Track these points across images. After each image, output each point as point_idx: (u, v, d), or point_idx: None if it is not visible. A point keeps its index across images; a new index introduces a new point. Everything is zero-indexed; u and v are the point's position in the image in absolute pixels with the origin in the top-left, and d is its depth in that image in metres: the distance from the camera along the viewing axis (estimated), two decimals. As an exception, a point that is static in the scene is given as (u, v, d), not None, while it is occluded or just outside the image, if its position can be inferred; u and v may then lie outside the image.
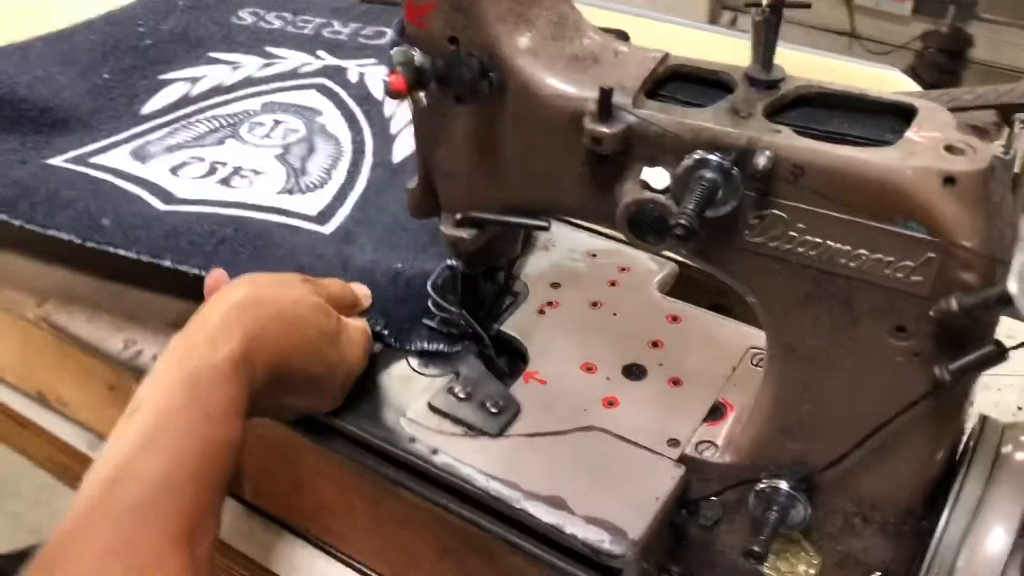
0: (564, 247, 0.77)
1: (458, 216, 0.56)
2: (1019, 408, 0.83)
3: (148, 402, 0.47)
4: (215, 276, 0.59)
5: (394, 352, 0.66)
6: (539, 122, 0.51)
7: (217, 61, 1.02)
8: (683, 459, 0.58)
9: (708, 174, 0.46)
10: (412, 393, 0.64)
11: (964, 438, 0.54)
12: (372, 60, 1.03)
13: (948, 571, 0.50)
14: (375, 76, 1.00)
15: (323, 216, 0.78)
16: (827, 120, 0.48)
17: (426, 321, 0.67)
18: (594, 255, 0.76)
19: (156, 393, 0.47)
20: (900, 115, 0.48)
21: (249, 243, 0.71)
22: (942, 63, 2.62)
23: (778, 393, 0.53)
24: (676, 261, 0.76)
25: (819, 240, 0.47)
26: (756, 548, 0.51)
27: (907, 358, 0.48)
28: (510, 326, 0.69)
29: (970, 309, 0.44)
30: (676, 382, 0.64)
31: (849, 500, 0.53)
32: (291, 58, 1.03)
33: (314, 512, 0.69)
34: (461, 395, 0.62)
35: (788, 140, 0.45)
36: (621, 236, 0.79)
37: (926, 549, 0.50)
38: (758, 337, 0.66)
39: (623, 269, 0.75)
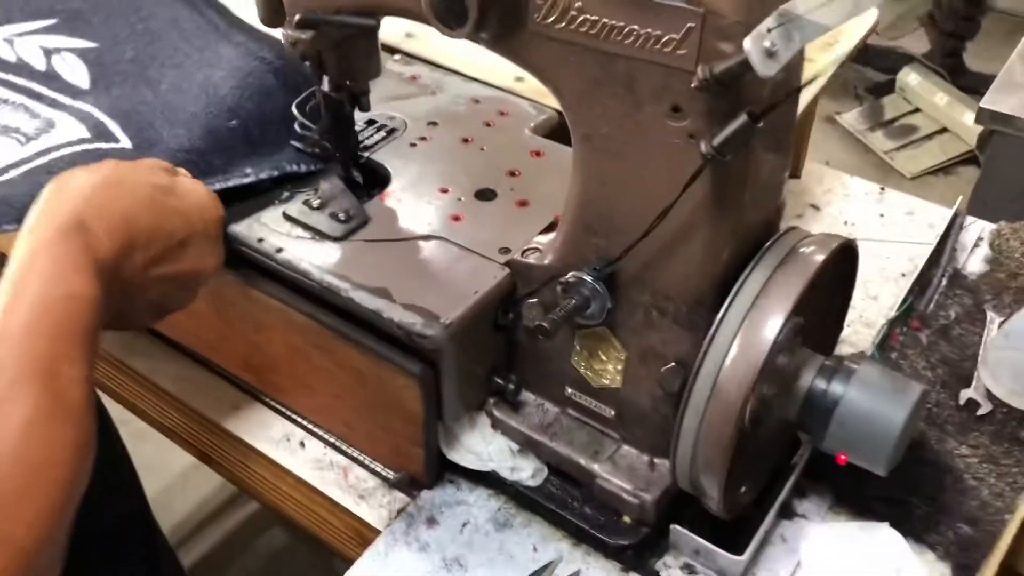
0: (451, 93, 0.80)
1: (296, 17, 0.59)
2: None
3: None
4: None
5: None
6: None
7: None
8: (509, 263, 0.61)
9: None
10: (272, 206, 0.67)
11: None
12: None
13: (722, 356, 0.52)
14: None
15: (105, 136, 0.70)
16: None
17: (294, 143, 0.70)
18: (477, 101, 0.79)
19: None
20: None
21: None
22: (959, 8, 2.56)
23: (581, 189, 0.56)
24: (556, 111, 0.78)
25: (596, 18, 0.49)
26: (543, 324, 0.54)
27: (684, 140, 0.50)
28: (380, 155, 0.72)
29: (720, 75, 0.46)
30: (523, 203, 0.67)
31: (647, 293, 0.56)
32: None
33: (193, 327, 0.73)
34: (314, 205, 0.66)
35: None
36: (509, 86, 0.82)
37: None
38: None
39: (502, 113, 0.77)
